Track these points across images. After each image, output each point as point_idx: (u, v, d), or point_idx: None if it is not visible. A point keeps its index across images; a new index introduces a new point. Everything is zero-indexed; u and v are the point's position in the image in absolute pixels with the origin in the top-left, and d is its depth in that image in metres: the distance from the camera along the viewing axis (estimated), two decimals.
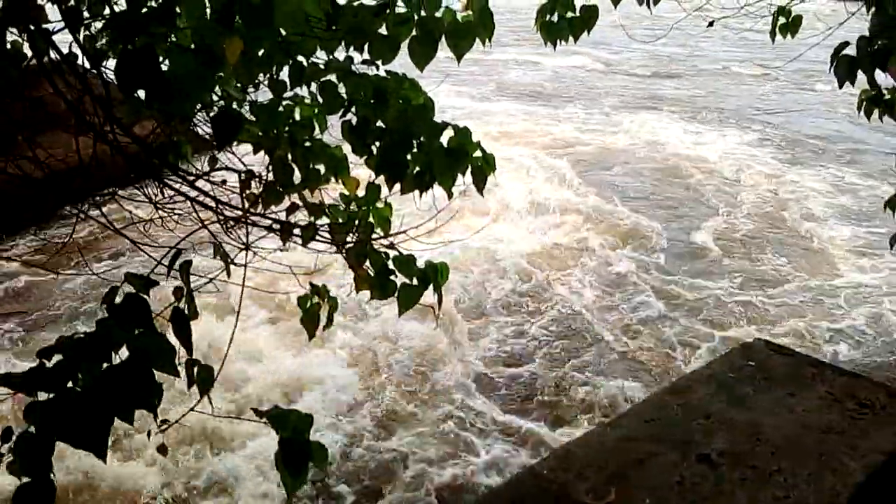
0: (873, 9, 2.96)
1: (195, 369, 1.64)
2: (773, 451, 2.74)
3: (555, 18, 2.32)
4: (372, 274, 1.93)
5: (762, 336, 4.81)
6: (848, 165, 9.82)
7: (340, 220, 2.15)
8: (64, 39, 1.69)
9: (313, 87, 2.00)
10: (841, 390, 3.12)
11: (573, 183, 9.13)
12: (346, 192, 2.18)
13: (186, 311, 1.63)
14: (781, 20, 3.17)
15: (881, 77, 2.93)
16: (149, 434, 1.99)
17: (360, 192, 2.17)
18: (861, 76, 2.88)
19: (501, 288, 6.42)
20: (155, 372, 1.42)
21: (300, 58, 1.92)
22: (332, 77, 1.93)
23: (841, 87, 2.89)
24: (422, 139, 1.81)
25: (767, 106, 14.38)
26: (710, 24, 3.12)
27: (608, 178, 9.47)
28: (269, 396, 4.62)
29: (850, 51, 2.84)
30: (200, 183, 1.96)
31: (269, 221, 1.97)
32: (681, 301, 6.23)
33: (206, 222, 1.97)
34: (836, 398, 3.07)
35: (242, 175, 2.07)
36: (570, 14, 2.30)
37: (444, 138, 1.92)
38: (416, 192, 1.91)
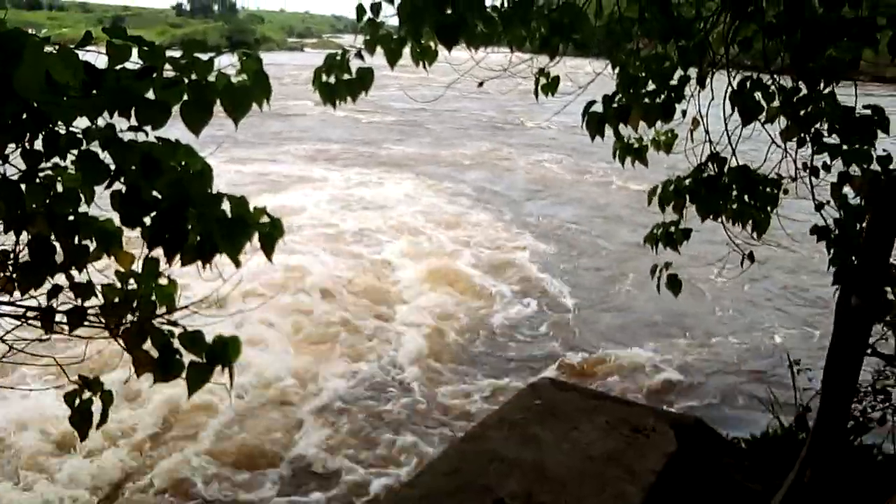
0: (619, 68, 3.35)
1: None
2: (561, 487, 2.88)
3: (332, 80, 2.35)
4: (155, 355, 1.76)
5: None
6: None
7: (117, 300, 1.97)
8: None
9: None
10: (617, 418, 3.39)
11: None
12: (121, 269, 2.01)
13: None
14: (542, 81, 3.47)
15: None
16: None
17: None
18: None
19: None
20: None
21: (60, 125, 1.75)
22: (95, 144, 1.78)
23: (592, 140, 3.22)
24: (199, 208, 1.70)
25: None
26: (480, 84, 3.34)
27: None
28: None
29: (598, 107, 3.18)
30: None
31: (24, 308, 1.74)
32: None
33: None
34: (614, 426, 3.32)
35: None
36: (346, 76, 2.35)
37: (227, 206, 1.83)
38: (200, 264, 1.79)
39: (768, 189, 3.55)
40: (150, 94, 1.76)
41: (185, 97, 1.77)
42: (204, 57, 1.79)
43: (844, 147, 3.28)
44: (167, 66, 1.77)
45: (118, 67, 1.74)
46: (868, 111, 3.20)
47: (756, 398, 6.39)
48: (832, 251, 3.31)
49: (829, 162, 3.36)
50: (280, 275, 9.30)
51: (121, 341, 1.77)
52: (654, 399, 6.49)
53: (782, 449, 3.68)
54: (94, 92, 1.71)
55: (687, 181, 3.56)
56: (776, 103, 3.34)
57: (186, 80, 1.76)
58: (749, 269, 3.80)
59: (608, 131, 3.30)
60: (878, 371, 3.82)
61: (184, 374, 1.74)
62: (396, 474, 4.95)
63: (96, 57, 1.78)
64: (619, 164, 3.69)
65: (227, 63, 1.85)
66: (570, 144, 18.90)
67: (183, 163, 1.82)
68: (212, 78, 1.79)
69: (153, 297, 1.98)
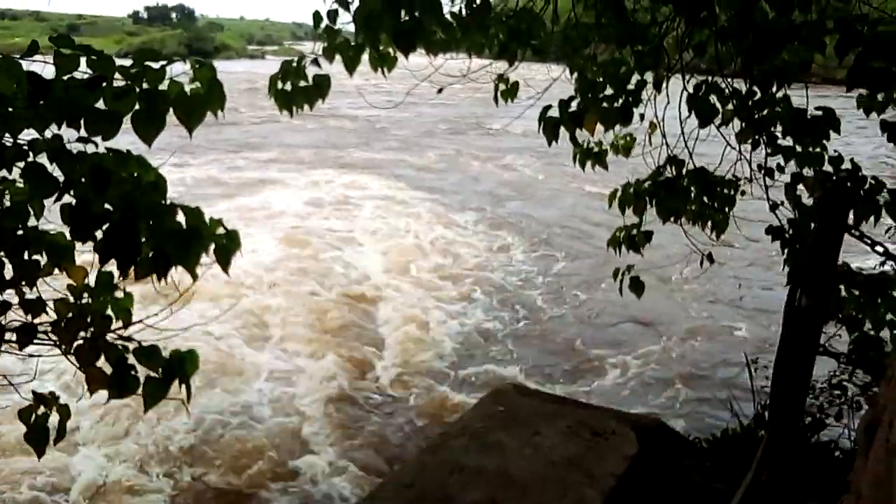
0: (577, 73, 3.37)
1: None
2: (523, 494, 2.85)
3: (288, 87, 2.33)
4: (109, 371, 1.72)
5: None
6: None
7: (71, 315, 1.92)
8: None
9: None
10: (578, 422, 3.38)
11: None
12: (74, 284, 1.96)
13: None
14: (502, 86, 3.48)
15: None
16: None
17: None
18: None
19: None
20: None
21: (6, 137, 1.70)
22: (43, 157, 1.73)
23: (550, 144, 3.23)
24: (151, 220, 1.67)
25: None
26: (440, 90, 3.34)
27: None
28: None
29: (554, 112, 3.20)
30: None
31: None
32: None
33: None
34: (575, 430, 3.31)
35: None
36: (303, 83, 2.33)
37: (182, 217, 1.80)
38: (154, 277, 1.75)
39: (725, 190, 3.61)
40: (101, 104, 1.72)
41: (137, 106, 1.73)
42: (156, 65, 1.75)
43: (798, 148, 3.35)
44: (118, 75, 1.73)
45: (66, 77, 1.70)
46: (819, 112, 3.28)
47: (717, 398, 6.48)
48: (786, 250, 3.38)
49: (782, 163, 3.44)
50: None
51: (73, 358, 1.72)
52: (618, 401, 6.54)
53: (743, 447, 3.74)
54: (41, 102, 1.66)
55: (646, 184, 3.60)
56: (731, 106, 3.41)
57: (138, 90, 1.72)
58: (709, 267, 3.87)
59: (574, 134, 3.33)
60: (833, 369, 3.90)
61: (140, 391, 1.70)
62: None
63: (43, 67, 1.74)
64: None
65: (180, 71, 1.82)
66: (536, 147, 19.13)
67: (136, 174, 1.79)
68: (164, 86, 1.76)
69: (108, 312, 1.93)
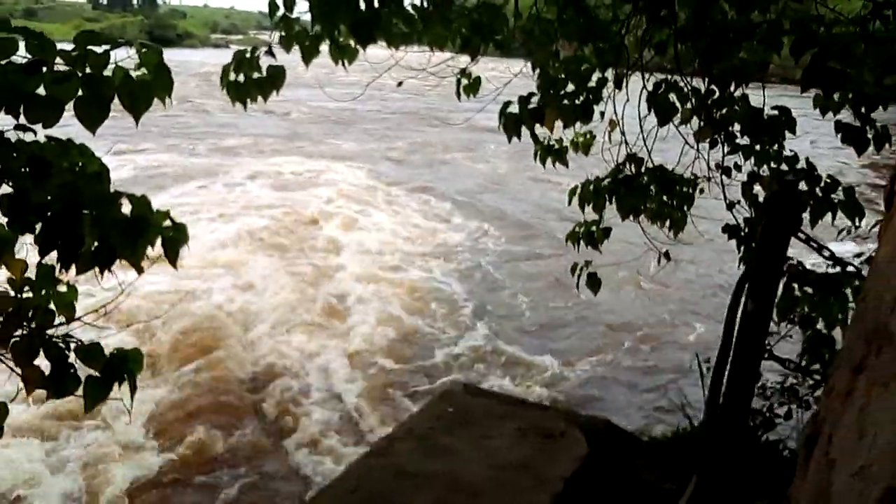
0: (538, 70, 3.36)
1: None
2: (472, 498, 2.78)
3: (241, 78, 2.26)
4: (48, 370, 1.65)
5: None
6: None
7: (10, 310, 1.83)
8: None
9: None
10: (529, 423, 3.33)
11: None
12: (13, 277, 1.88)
13: None
14: (464, 81, 3.45)
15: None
16: None
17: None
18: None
19: None
20: None
21: None
22: None
23: (510, 141, 3.20)
24: (95, 210, 1.60)
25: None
26: (399, 83, 3.30)
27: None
28: None
29: (514, 108, 3.17)
30: None
31: None
32: None
33: None
34: (525, 432, 3.27)
35: None
36: (256, 74, 2.26)
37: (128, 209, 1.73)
38: (97, 270, 1.69)
39: (684, 188, 3.64)
40: (42, 90, 1.65)
41: (80, 92, 1.66)
42: (99, 49, 1.68)
43: (757, 147, 3.38)
44: (59, 59, 1.65)
45: (4, 62, 1.62)
46: (776, 112, 3.31)
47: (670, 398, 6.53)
48: (742, 248, 3.42)
49: (740, 162, 3.47)
50: None
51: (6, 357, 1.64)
52: (569, 399, 6.57)
53: (694, 447, 3.75)
54: None
55: (606, 181, 3.61)
56: (689, 105, 3.42)
57: (80, 74, 1.65)
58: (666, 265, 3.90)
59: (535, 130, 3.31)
60: (786, 374, 3.92)
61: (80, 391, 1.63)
62: None
63: None
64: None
65: (125, 56, 1.75)
66: (503, 140, 19.17)
67: (79, 163, 1.72)
68: (108, 72, 1.69)
69: (51, 306, 1.86)
